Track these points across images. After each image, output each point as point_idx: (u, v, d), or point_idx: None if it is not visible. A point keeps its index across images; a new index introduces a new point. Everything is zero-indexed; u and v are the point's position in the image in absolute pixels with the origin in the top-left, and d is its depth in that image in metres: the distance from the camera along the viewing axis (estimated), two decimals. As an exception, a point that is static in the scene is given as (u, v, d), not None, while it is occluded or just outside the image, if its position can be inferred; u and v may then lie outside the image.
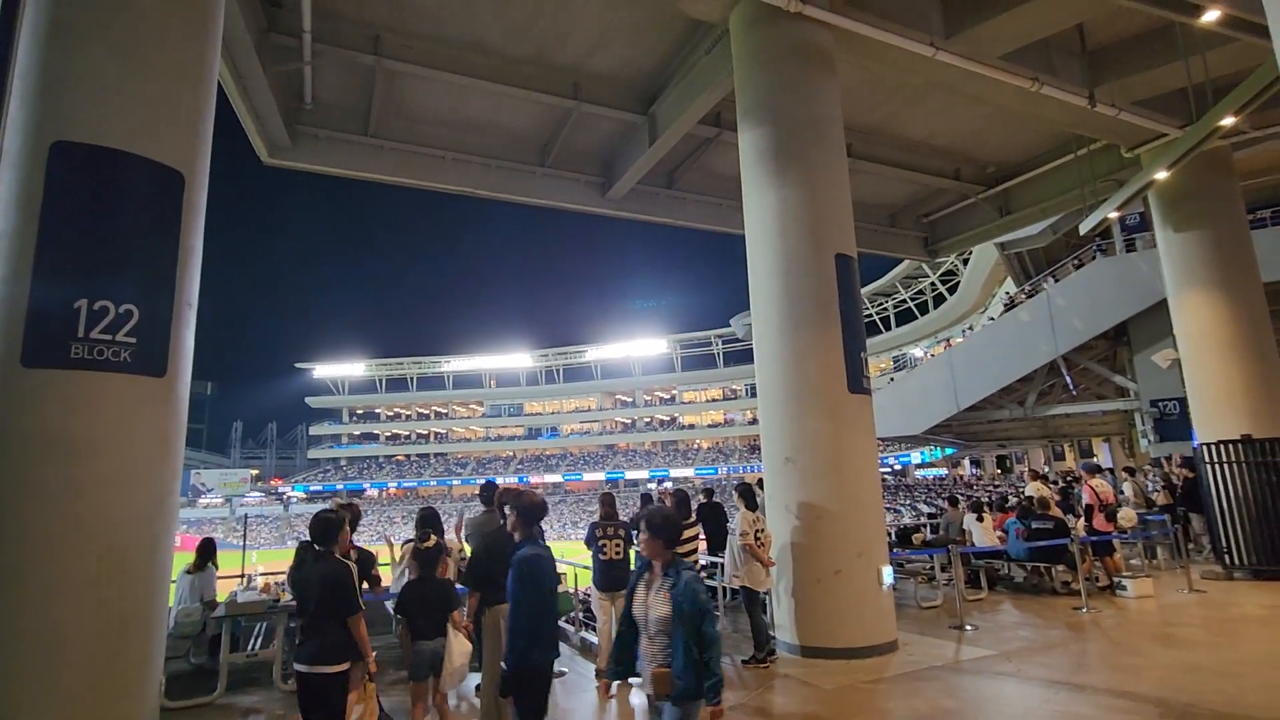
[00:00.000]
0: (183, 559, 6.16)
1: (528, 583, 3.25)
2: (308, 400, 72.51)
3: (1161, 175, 8.90)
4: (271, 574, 7.42)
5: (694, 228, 13.00)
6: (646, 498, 10.00)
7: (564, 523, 53.49)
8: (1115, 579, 8.43)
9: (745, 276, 7.19)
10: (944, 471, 51.52)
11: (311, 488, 67.34)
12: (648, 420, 68.02)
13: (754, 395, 63.30)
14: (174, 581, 6.53)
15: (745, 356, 65.62)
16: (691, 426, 66.74)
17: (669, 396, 68.79)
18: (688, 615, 2.78)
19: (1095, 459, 31.72)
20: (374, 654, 3.81)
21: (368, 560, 4.42)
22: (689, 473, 60.89)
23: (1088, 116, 9.60)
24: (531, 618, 3.21)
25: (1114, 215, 10.26)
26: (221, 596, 6.41)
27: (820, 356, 6.44)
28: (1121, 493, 11.58)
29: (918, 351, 44.57)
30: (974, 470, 50.65)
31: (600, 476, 63.16)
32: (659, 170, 11.73)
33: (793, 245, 6.68)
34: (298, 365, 71.55)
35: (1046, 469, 41.33)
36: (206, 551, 6.39)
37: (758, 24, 7.26)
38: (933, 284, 50.26)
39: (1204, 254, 10.34)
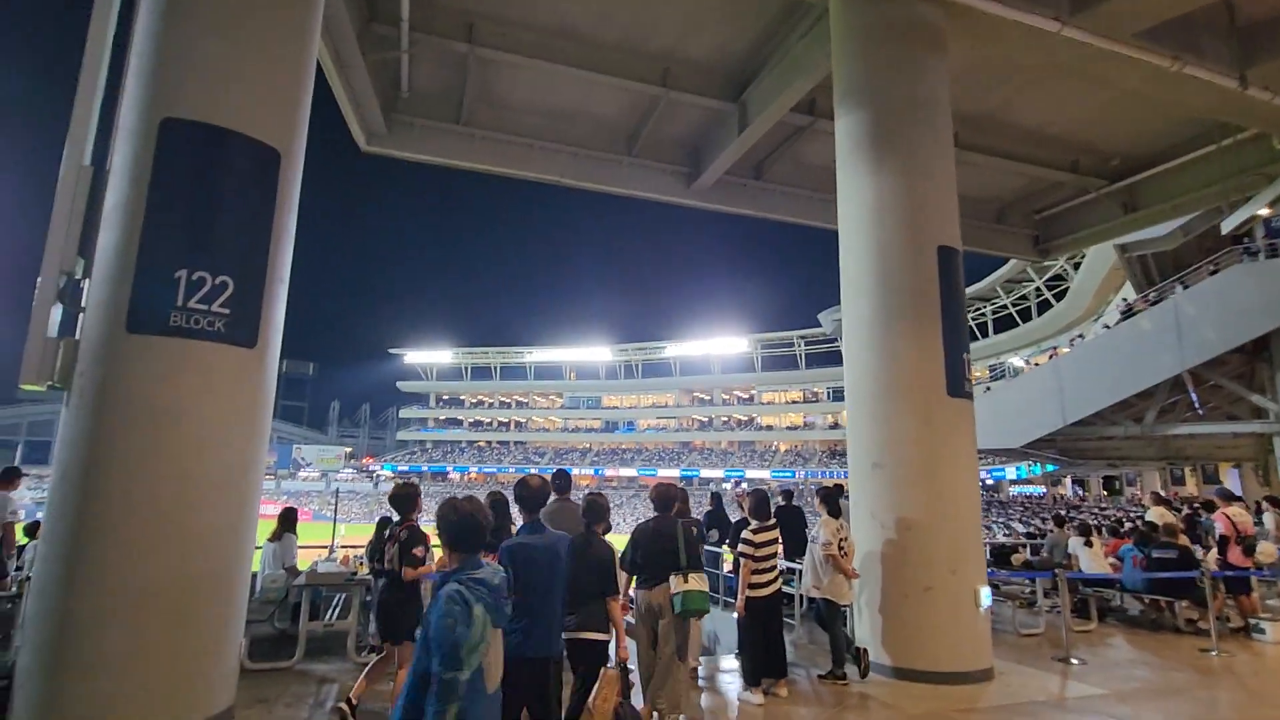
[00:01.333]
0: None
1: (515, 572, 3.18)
2: (398, 384, 76.17)
3: (1329, 165, 7.76)
4: (351, 547, 7.65)
5: (782, 220, 12.54)
6: (717, 497, 9.75)
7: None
8: (1250, 620, 7.44)
9: (830, 276, 6.81)
10: (1042, 489, 48.13)
11: (399, 467, 70.72)
12: (725, 419, 67.25)
13: (836, 399, 61.87)
14: (260, 548, 6.89)
15: (828, 359, 63.75)
16: (770, 428, 65.45)
17: (747, 396, 67.73)
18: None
19: (1223, 485, 28.75)
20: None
21: (414, 538, 4.44)
22: (765, 474, 59.74)
23: (1236, 101, 8.51)
24: (520, 609, 3.11)
25: (1265, 212, 9.10)
26: (304, 565, 6.64)
27: (916, 355, 5.97)
28: (1260, 524, 10.28)
29: (1018, 360, 41.71)
30: (1076, 490, 47.05)
31: (676, 473, 62.96)
32: (747, 161, 11.36)
33: (890, 236, 6.22)
34: (391, 350, 75.27)
35: (1161, 493, 37.87)
36: (287, 521, 6.62)
37: (861, 0, 6.82)
38: (1038, 289, 46.90)
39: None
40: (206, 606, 4.05)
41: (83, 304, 4.13)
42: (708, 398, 68.84)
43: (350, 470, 72.72)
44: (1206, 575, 6.99)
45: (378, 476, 69.77)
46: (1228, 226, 9.39)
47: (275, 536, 6.71)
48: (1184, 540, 7.99)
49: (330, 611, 6.47)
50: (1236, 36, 7.98)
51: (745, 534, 5.26)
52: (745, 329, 66.39)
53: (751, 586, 5.14)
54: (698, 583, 4.32)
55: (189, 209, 4.18)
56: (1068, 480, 47.72)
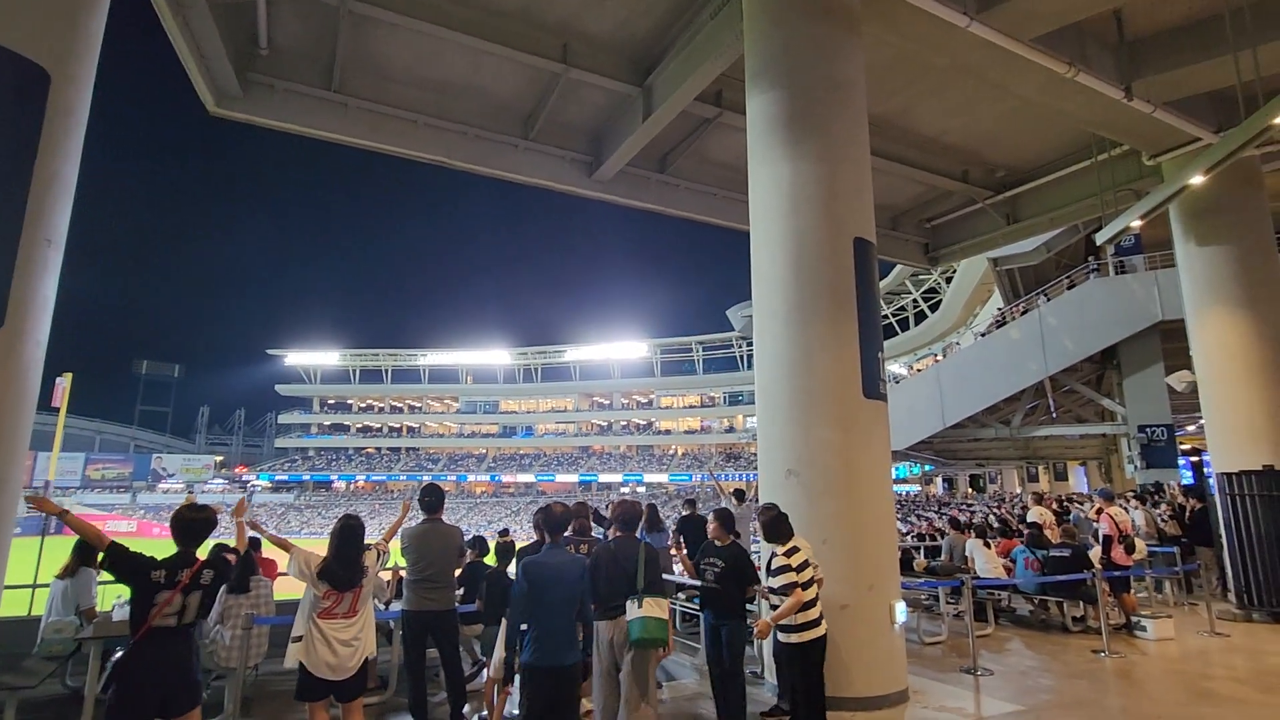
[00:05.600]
0: (138, 545, 5.03)
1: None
2: (277, 388, 70.57)
3: (1197, 180, 8.15)
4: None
5: (686, 218, 12.11)
6: (692, 503, 9.05)
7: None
8: (1133, 618, 7.66)
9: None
10: (916, 488, 51.12)
11: (277, 477, 65.47)
12: (624, 424, 67.11)
13: (731, 403, 63.08)
14: (47, 586, 5.53)
15: (725, 364, 65.23)
16: (668, 432, 65.94)
17: (646, 401, 67.98)
18: None
19: (1106, 486, 31.51)
20: None
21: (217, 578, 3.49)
22: (663, 478, 60.08)
23: (1115, 115, 8.91)
24: (532, 623, 3.64)
25: (1136, 224, 9.57)
26: (106, 605, 5.34)
27: (832, 354, 5.56)
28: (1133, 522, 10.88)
29: (897, 368, 44.17)
30: (945, 487, 50.29)
31: (574, 478, 62.07)
32: (652, 152, 10.85)
33: (805, 225, 5.79)
34: (270, 351, 69.61)
35: (1020, 490, 41.08)
36: (84, 552, 5.29)
37: (775, -23, 6.40)
38: (914, 300, 50.02)
39: (1229, 271, 9.67)
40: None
41: None
42: (607, 402, 68.43)
43: (221, 480, 66.43)
44: (1098, 575, 7.09)
45: (253, 487, 64.13)
46: (1102, 238, 9.82)
47: (68, 571, 5.36)
48: (1078, 541, 8.16)
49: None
50: (1126, 49, 8.29)
51: (778, 559, 4.37)
52: (645, 333, 66.76)
53: (797, 628, 4.29)
54: (656, 609, 3.84)
55: (-110, 133, 3.01)
56: (939, 479, 50.96)
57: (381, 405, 70.94)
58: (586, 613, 3.87)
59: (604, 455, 66.21)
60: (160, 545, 3.13)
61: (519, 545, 5.10)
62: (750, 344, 63.31)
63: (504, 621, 4.35)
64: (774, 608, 4.37)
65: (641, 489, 58.42)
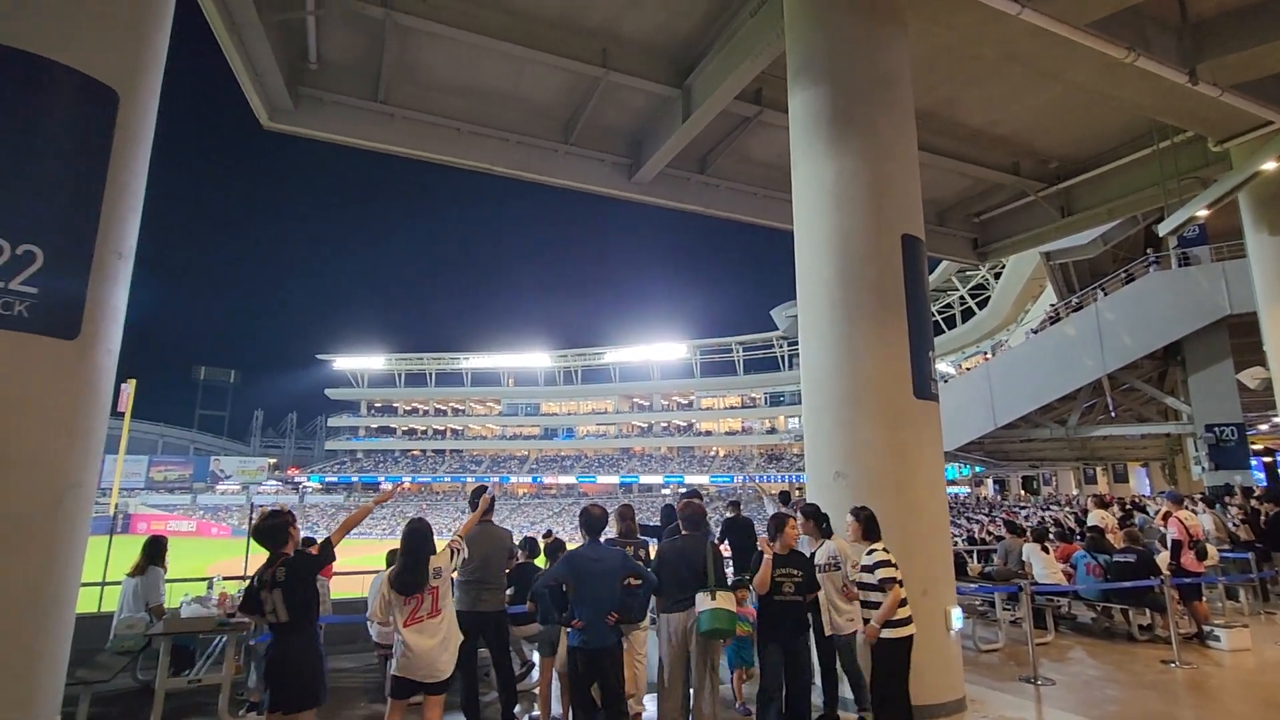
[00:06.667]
0: (197, 545, 5.27)
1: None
2: (326, 392, 72.71)
3: (1270, 166, 7.79)
4: (235, 578, 6.54)
5: (727, 218, 12.04)
6: (669, 510, 9.02)
7: (576, 525, 52.59)
8: (1205, 628, 7.28)
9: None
10: (966, 490, 49.73)
11: (327, 478, 67.37)
12: (665, 425, 67.00)
13: (773, 404, 62.34)
14: (116, 584, 5.78)
15: (765, 365, 64.60)
16: (709, 433, 65.58)
17: (687, 402, 67.74)
18: None
19: (1173, 489, 30.17)
20: None
21: (295, 574, 3.61)
22: (704, 480, 59.73)
23: (1178, 100, 8.51)
24: (577, 610, 4.12)
25: (1203, 214, 9.13)
26: (174, 602, 5.56)
27: (881, 354, 5.44)
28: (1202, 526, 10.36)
29: (944, 366, 43.03)
30: (996, 490, 48.82)
31: (615, 480, 62.25)
32: (691, 153, 10.80)
33: (851, 222, 5.68)
34: (319, 357, 71.74)
35: (1076, 492, 39.55)
36: (153, 551, 5.53)
37: (816, -28, 6.30)
38: (961, 297, 48.62)
39: (1306, 260, 9.15)
40: (12, 666, 3.06)
41: None
42: (647, 403, 68.45)
43: (275, 482, 68.75)
44: (1167, 582, 6.77)
45: (304, 488, 66.24)
46: (1165, 229, 9.42)
47: (138, 570, 5.61)
48: (1143, 546, 7.80)
49: (205, 660, 5.42)
50: (1189, 31, 7.90)
51: (876, 554, 4.41)
52: (685, 334, 66.55)
53: (896, 623, 4.31)
54: (726, 602, 4.15)
55: (-20, 155, 3.19)
56: (989, 481, 49.50)
57: (426, 408, 72.38)
58: (629, 601, 4.34)
59: (644, 457, 66.25)
60: (218, 545, 3.32)
61: (569, 546, 5.15)
62: (792, 344, 62.25)
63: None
64: (868, 605, 4.41)
65: (683, 490, 58.25)
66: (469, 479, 64.18)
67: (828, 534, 4.91)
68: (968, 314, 48.81)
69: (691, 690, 4.37)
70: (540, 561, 6.22)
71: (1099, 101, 9.42)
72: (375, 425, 72.29)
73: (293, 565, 3.52)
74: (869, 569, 4.42)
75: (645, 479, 61.71)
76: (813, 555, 4.72)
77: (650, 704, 4.76)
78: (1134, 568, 7.27)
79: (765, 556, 4.38)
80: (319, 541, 3.73)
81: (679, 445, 65.89)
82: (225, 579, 6.11)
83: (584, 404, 69.81)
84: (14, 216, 3.20)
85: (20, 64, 3.34)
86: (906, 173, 5.92)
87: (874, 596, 4.39)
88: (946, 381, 25.43)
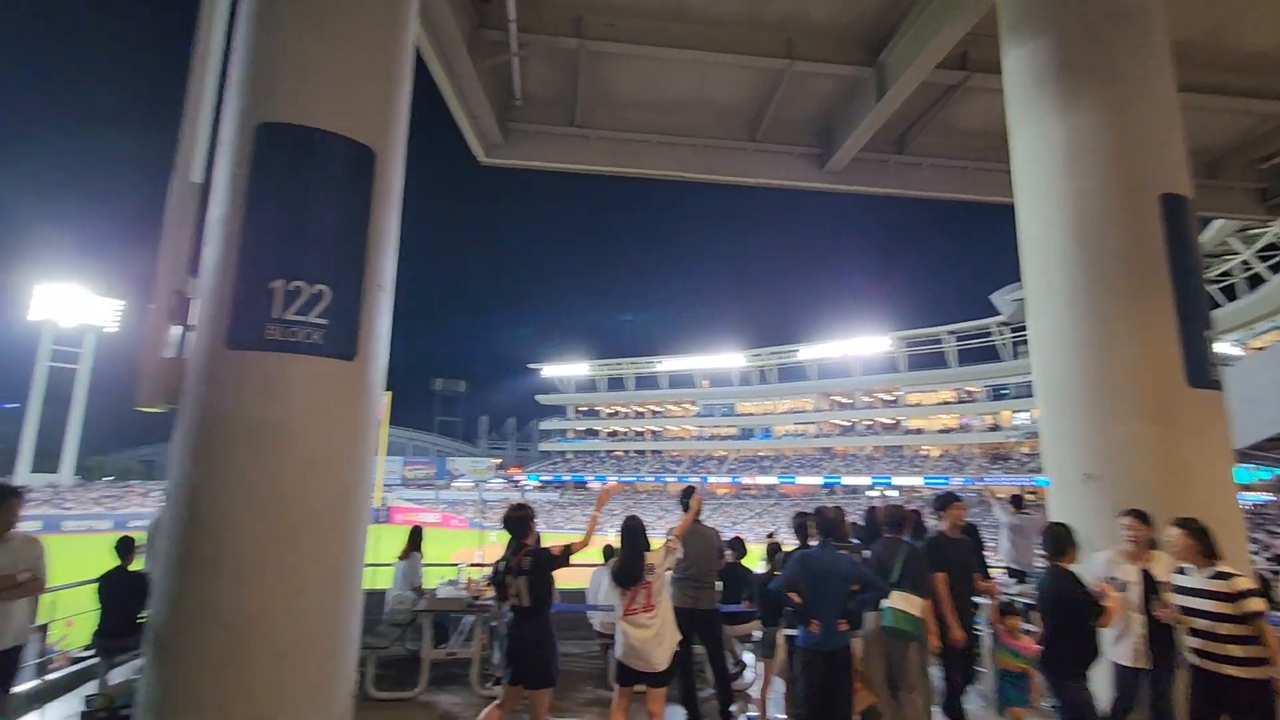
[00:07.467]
0: (442, 534, 6.22)
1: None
2: (537, 398, 79.63)
3: None
4: (480, 565, 7.40)
5: (931, 197, 11.11)
6: (871, 511, 8.51)
7: (778, 526, 51.80)
8: None
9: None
10: (1268, 496, 40.50)
11: (543, 477, 73.70)
12: (868, 423, 63.46)
13: (994, 398, 56.23)
14: (385, 565, 6.78)
15: (982, 354, 58.29)
16: (919, 431, 60.86)
17: (891, 398, 63.52)
18: None
19: None
20: None
21: (540, 564, 3.98)
22: (917, 481, 55.49)
23: None
24: (803, 612, 4.14)
25: None
26: (432, 583, 6.44)
27: (1138, 335, 4.64)
28: None
29: (1225, 346, 35.45)
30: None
31: (817, 481, 60.32)
32: (887, 133, 10.12)
33: (1089, 185, 4.92)
34: (530, 365, 78.87)
35: None
36: (414, 539, 6.46)
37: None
38: (1244, 263, 39.60)
39: None
40: (316, 638, 3.76)
41: (192, 322, 4.03)
42: (848, 401, 65.38)
43: (499, 480, 76.89)
44: None
45: (523, 486, 73.17)
46: None
47: (404, 555, 6.57)
48: None
49: (459, 636, 6.20)
50: None
51: (1238, 578, 3.70)
52: (886, 327, 62.41)
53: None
54: (904, 603, 4.23)
55: (282, 216, 3.96)
56: (1299, 485, 39.84)
57: (626, 411, 76.11)
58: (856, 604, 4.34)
59: (847, 457, 63.33)
60: (455, 535, 3.81)
61: (786, 549, 5.10)
62: (1015, 330, 55.32)
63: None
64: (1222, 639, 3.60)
65: (892, 493, 54.68)
66: (670, 479, 66.20)
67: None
68: (1255, 281, 39.71)
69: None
70: (747, 561, 6.21)
71: None
72: (581, 428, 77.59)
73: (538, 557, 3.93)
74: (1231, 598, 3.62)
75: (848, 480, 58.97)
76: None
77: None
78: None
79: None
80: (565, 545, 4.08)
81: (885, 444, 62.03)
82: (471, 565, 6.93)
83: (780, 403, 68.62)
84: (310, 263, 3.94)
85: (304, 138, 4.10)
86: (1163, 120, 5.00)
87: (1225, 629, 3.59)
88: (1230, 365, 20.97)
